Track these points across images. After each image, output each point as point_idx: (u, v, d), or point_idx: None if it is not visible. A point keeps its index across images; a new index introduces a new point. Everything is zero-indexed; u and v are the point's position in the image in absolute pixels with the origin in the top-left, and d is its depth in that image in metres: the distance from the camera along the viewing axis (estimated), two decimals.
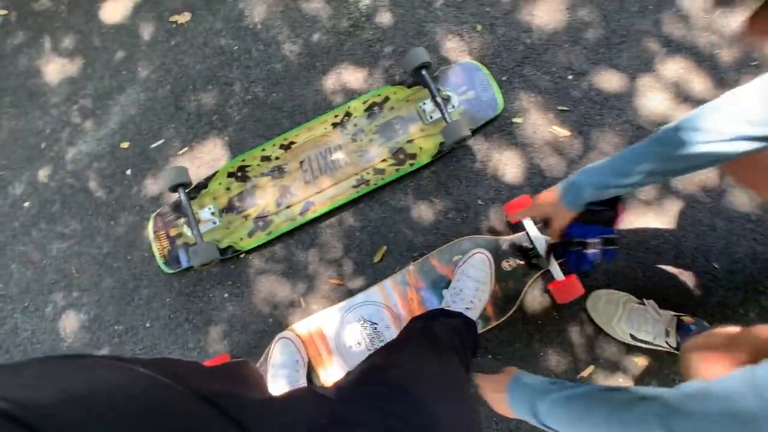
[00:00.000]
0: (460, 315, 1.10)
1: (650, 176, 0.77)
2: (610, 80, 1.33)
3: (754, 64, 1.31)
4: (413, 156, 1.31)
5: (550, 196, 0.93)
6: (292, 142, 1.35)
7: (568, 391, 0.69)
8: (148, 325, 1.36)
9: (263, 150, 1.35)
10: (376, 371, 0.77)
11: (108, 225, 1.42)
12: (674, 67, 1.32)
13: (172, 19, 1.53)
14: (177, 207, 1.37)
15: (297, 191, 1.32)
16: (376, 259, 1.31)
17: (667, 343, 1.11)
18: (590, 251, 0.95)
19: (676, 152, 0.73)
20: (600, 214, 0.93)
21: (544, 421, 0.70)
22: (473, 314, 1.14)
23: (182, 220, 1.35)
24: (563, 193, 0.89)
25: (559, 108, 1.33)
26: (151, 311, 1.37)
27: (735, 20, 1.34)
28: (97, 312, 1.38)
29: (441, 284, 1.25)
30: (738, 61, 1.31)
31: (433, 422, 0.59)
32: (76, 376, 0.32)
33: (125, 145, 1.46)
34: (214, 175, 1.36)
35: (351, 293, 1.30)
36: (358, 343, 1.24)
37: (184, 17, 1.52)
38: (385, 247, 1.31)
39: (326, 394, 0.62)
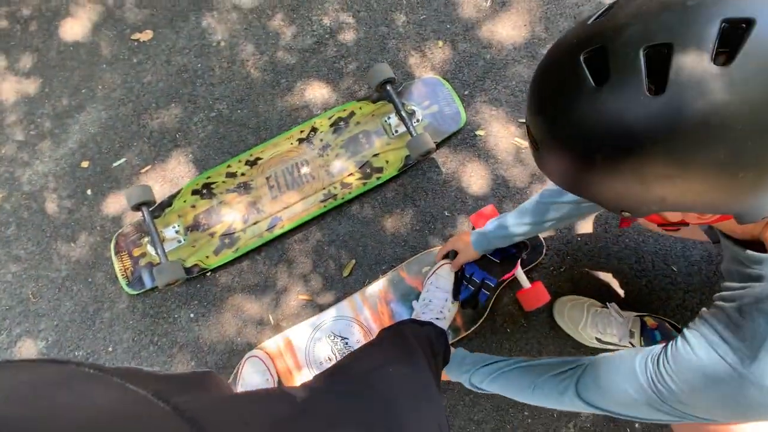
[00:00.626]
0: (430, 323, 1.11)
1: (537, 226, 1.00)
2: None
3: None
4: (380, 170, 1.33)
5: (466, 237, 1.13)
6: (258, 158, 1.35)
7: (498, 364, 0.90)
8: (110, 349, 1.32)
9: (229, 166, 1.35)
10: (344, 369, 0.77)
11: (67, 247, 1.39)
12: None
13: (134, 37, 1.52)
14: (140, 226, 1.35)
15: (264, 207, 1.32)
16: (345, 273, 1.31)
17: (631, 344, 1.15)
18: (470, 287, 1.15)
19: (549, 212, 0.96)
20: (493, 264, 1.14)
21: (479, 387, 0.93)
22: (443, 324, 1.16)
23: (146, 239, 1.32)
24: (476, 239, 1.10)
25: (520, 120, 1.37)
26: (114, 335, 1.33)
27: None
28: (55, 338, 1.33)
29: (411, 296, 1.27)
30: None
31: (399, 422, 0.60)
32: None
33: (85, 164, 1.43)
34: (178, 192, 1.35)
35: (321, 308, 1.29)
36: (329, 359, 1.24)
37: (146, 35, 1.52)
38: (353, 261, 1.32)
39: (292, 391, 0.62)
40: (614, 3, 0.46)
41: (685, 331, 0.61)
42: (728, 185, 0.41)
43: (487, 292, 1.15)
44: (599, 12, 0.47)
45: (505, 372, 0.88)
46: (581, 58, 0.44)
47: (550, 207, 0.96)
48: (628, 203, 0.47)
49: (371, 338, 1.24)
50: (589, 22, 0.46)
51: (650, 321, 1.15)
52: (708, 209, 0.44)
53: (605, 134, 0.43)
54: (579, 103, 0.44)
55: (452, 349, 1.08)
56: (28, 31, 1.57)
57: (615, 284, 1.27)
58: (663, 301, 1.26)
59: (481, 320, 1.25)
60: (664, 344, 0.63)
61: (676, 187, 0.42)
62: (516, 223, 1.02)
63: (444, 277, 1.21)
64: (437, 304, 1.18)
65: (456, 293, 1.18)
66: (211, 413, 0.41)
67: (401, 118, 1.28)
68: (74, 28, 1.56)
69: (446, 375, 1.02)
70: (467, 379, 0.96)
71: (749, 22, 0.37)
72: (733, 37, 0.38)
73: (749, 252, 0.55)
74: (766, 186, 0.41)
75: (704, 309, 0.61)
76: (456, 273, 1.20)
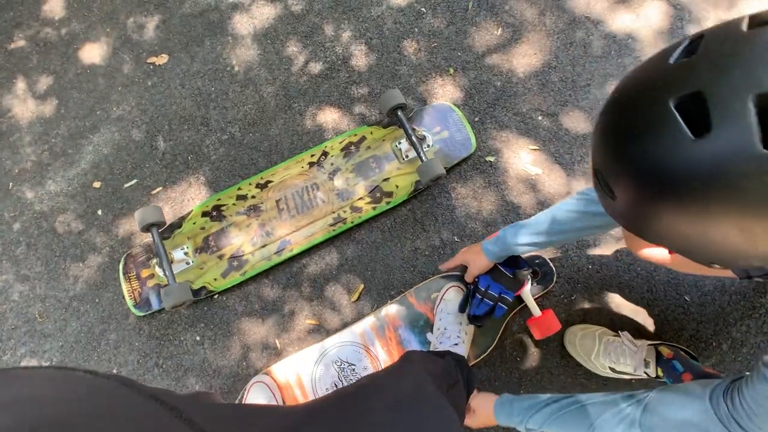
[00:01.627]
0: (448, 353, 1.10)
1: (550, 237, 0.99)
2: (577, 120, 1.41)
3: None
4: (390, 194, 1.34)
5: (476, 247, 1.13)
6: (269, 181, 1.37)
7: (551, 407, 0.88)
8: (115, 370, 1.31)
9: (239, 189, 1.37)
10: (350, 394, 0.76)
11: (76, 267, 1.40)
12: None
13: (149, 60, 1.57)
14: (149, 248, 1.36)
15: (273, 230, 1.33)
16: (353, 298, 1.31)
17: (646, 373, 1.13)
18: (487, 301, 1.14)
19: (564, 223, 0.96)
20: (507, 278, 1.14)
21: (537, 430, 0.91)
22: (462, 349, 1.15)
23: (154, 260, 1.33)
24: (488, 247, 1.09)
25: (531, 147, 1.39)
26: (119, 356, 1.33)
27: None
28: (60, 358, 1.33)
29: (420, 323, 1.26)
30: None
31: None
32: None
33: (97, 185, 1.46)
34: (188, 214, 1.36)
35: (328, 333, 1.29)
36: (335, 385, 1.23)
37: (161, 59, 1.56)
38: (362, 286, 1.32)
39: (295, 409, 0.62)
40: (697, 41, 0.43)
41: (764, 369, 0.59)
42: None
43: (504, 306, 1.14)
44: (680, 50, 0.43)
45: (561, 415, 0.87)
46: (671, 104, 0.40)
47: (565, 218, 0.95)
48: (723, 257, 0.44)
49: (378, 365, 1.24)
50: (672, 61, 0.42)
51: (665, 350, 1.14)
52: None
53: (708, 190, 0.39)
54: (674, 157, 0.40)
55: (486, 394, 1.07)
56: (47, 53, 1.62)
57: (627, 313, 1.26)
58: (676, 331, 1.25)
59: (490, 348, 1.24)
60: (731, 378, 0.63)
61: None
62: (528, 233, 1.01)
63: (452, 300, 1.21)
64: (452, 330, 1.17)
65: (465, 306, 1.17)
66: (217, 423, 0.41)
67: (412, 144, 1.30)
68: (92, 52, 1.61)
69: (496, 421, 1.00)
70: (524, 427, 0.94)
71: None
72: None
73: None
74: None
75: None
76: (468, 286, 1.19)
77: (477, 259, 1.13)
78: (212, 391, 1.28)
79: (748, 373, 0.62)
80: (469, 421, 1.10)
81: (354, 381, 1.21)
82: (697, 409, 0.65)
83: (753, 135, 0.36)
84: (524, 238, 1.02)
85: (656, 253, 0.93)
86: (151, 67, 1.57)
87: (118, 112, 1.53)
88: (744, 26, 0.40)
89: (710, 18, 1.49)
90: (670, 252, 0.89)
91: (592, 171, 0.51)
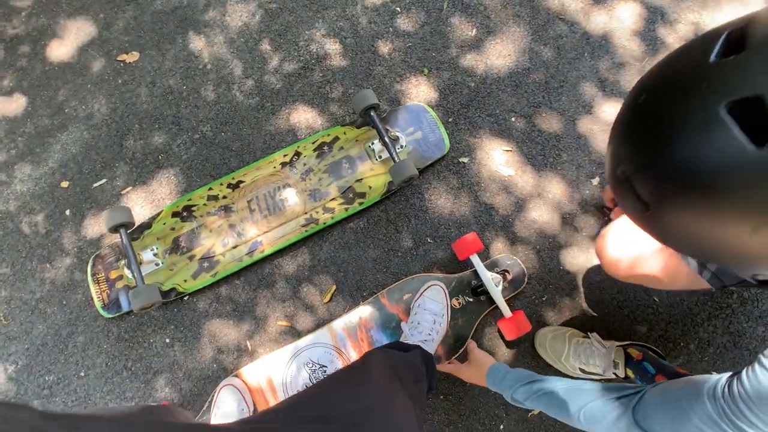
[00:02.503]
0: (416, 347, 1.10)
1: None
2: (550, 122, 1.42)
3: None
4: (363, 195, 1.34)
5: (480, 370, 1.08)
6: (240, 181, 1.36)
7: (541, 384, 0.87)
8: (82, 374, 1.29)
9: (210, 189, 1.35)
10: (310, 397, 0.76)
11: (43, 268, 1.37)
12: (610, 110, 1.42)
13: (120, 58, 1.54)
14: (118, 248, 1.34)
15: (244, 231, 1.32)
16: (326, 299, 1.31)
17: (616, 374, 1.14)
18: None
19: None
20: None
21: (522, 403, 0.90)
22: (431, 347, 1.16)
23: (123, 262, 1.31)
24: (492, 380, 1.02)
25: (504, 148, 1.40)
26: (87, 359, 1.31)
27: None
28: (26, 362, 1.31)
29: (391, 324, 1.26)
30: None
31: None
32: None
33: (65, 184, 1.43)
34: (158, 214, 1.34)
35: (299, 335, 1.29)
36: (306, 387, 1.22)
37: (132, 56, 1.54)
38: (334, 287, 1.31)
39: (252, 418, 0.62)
40: (738, 32, 0.39)
41: (763, 359, 0.58)
42: None
43: None
44: (719, 46, 0.39)
45: (550, 393, 0.85)
46: (724, 109, 0.36)
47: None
48: (757, 262, 0.42)
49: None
50: (713, 58, 0.39)
51: (634, 352, 1.15)
52: None
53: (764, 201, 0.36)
54: (731, 168, 0.37)
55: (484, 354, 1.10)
56: (14, 50, 1.58)
57: (597, 314, 1.27)
58: (645, 331, 1.27)
59: (462, 349, 1.24)
60: (728, 374, 0.62)
61: None
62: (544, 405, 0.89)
63: (433, 299, 1.22)
64: (425, 326, 1.18)
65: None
66: None
67: (384, 144, 1.29)
68: (60, 49, 1.57)
69: (487, 384, 1.01)
70: (509, 395, 0.93)
71: None
72: None
73: None
74: None
75: None
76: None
77: (474, 377, 1.12)
78: (169, 402, 1.26)
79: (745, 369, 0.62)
80: (462, 373, 1.14)
81: None
82: (694, 402, 0.63)
83: None
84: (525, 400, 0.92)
85: (642, 276, 0.93)
86: (122, 64, 1.54)
87: (87, 110, 1.50)
88: None
89: (682, 21, 1.51)
90: (658, 274, 0.89)
91: (612, 179, 0.48)
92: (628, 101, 0.46)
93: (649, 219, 0.47)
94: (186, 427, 0.62)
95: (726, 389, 0.60)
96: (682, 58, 0.43)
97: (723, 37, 0.39)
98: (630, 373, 1.12)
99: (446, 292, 1.23)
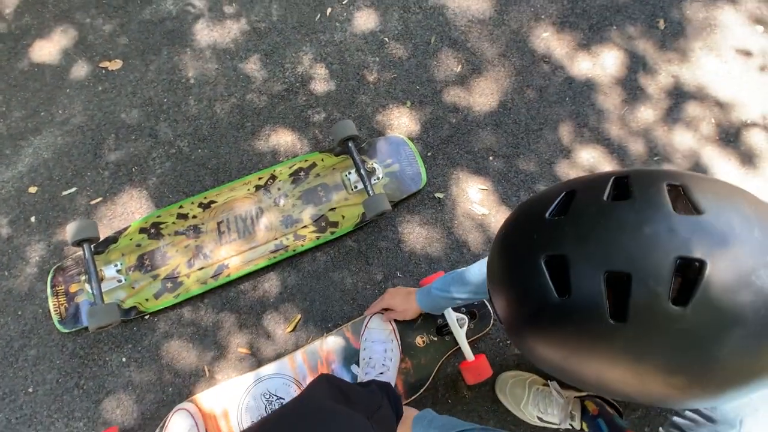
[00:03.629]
0: (372, 382, 1.07)
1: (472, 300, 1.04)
2: (528, 163, 1.42)
3: (656, 159, 1.44)
4: (335, 224, 1.32)
5: (402, 292, 1.18)
6: (212, 201, 1.33)
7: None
8: (30, 390, 1.25)
9: (180, 207, 1.33)
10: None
11: (0, 276, 1.33)
12: (587, 156, 1.43)
13: (102, 64, 1.51)
14: (81, 261, 1.31)
15: (211, 253, 1.29)
16: (289, 328, 1.28)
17: (572, 425, 1.14)
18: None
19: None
20: None
21: None
22: (389, 375, 1.13)
23: (84, 276, 1.28)
24: (422, 297, 1.12)
25: (480, 187, 1.39)
26: (37, 374, 1.26)
27: (642, 116, 1.48)
28: None
29: (354, 359, 1.24)
30: (643, 154, 1.44)
31: None
32: None
33: (33, 190, 1.39)
34: (125, 229, 1.31)
35: (260, 364, 1.26)
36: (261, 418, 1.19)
37: (115, 64, 1.51)
38: (299, 316, 1.29)
39: None
40: (570, 194, 0.48)
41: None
42: (683, 399, 0.44)
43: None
44: (557, 201, 0.49)
45: None
46: (542, 261, 0.46)
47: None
48: (587, 389, 0.51)
49: None
50: (548, 215, 0.48)
51: (591, 405, 1.14)
52: (664, 406, 0.50)
53: (568, 342, 0.46)
54: (542, 307, 0.46)
55: (410, 409, 1.05)
56: None
57: None
58: None
59: (422, 389, 1.22)
60: None
61: (635, 393, 0.45)
62: (463, 290, 1.01)
63: (376, 329, 1.20)
64: (377, 358, 1.16)
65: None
66: None
67: (360, 177, 1.28)
68: (42, 50, 1.54)
69: None
70: None
71: (702, 263, 0.39)
72: (687, 274, 0.40)
73: None
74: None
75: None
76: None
77: (405, 304, 1.14)
78: (118, 426, 1.22)
79: None
80: None
81: None
82: None
83: (603, 307, 0.41)
84: (458, 294, 1.01)
85: None
86: (104, 71, 1.51)
87: (63, 115, 1.47)
88: (606, 194, 0.46)
89: (663, 72, 1.53)
90: None
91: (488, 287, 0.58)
92: (501, 229, 0.57)
93: (503, 326, 0.56)
94: None
95: None
96: (534, 204, 0.52)
97: (559, 197, 0.49)
98: (585, 427, 1.12)
99: (386, 317, 1.22)
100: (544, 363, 0.51)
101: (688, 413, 0.60)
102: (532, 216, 0.51)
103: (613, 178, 0.48)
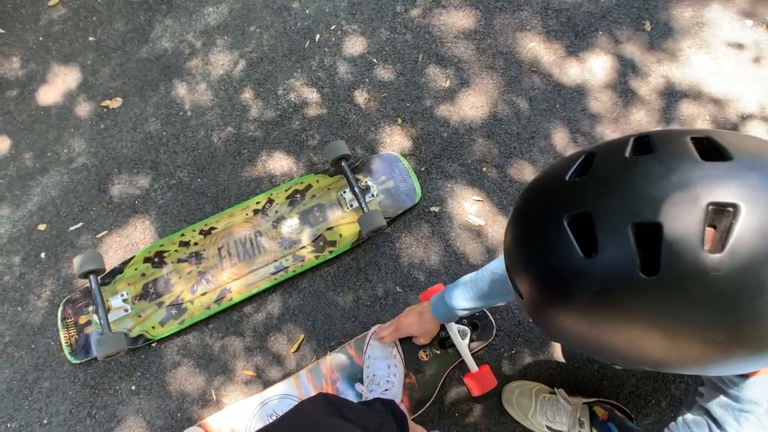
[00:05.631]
0: (376, 400, 1.11)
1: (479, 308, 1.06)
2: (521, 172, 1.49)
3: None
4: (333, 243, 1.40)
5: (416, 310, 1.20)
6: (213, 228, 1.42)
7: None
8: (45, 421, 1.33)
9: (182, 235, 1.42)
10: None
11: (14, 311, 1.43)
12: None
13: (104, 103, 1.64)
14: (89, 293, 1.40)
15: (213, 278, 1.38)
16: (293, 348, 1.35)
17: None
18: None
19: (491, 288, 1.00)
20: None
21: None
22: (393, 394, 1.17)
23: (92, 307, 1.37)
24: (437, 310, 1.13)
25: (475, 198, 1.46)
26: (51, 406, 1.34)
27: (635, 119, 1.54)
28: None
29: (358, 376, 1.30)
30: None
31: None
32: None
33: (42, 227, 1.50)
34: (131, 260, 1.41)
35: (266, 385, 1.32)
36: None
37: (115, 102, 1.64)
38: (302, 336, 1.36)
39: None
40: (590, 157, 0.48)
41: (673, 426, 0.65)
42: (723, 358, 0.43)
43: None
44: (577, 164, 0.49)
45: None
46: (565, 221, 0.45)
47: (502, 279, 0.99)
48: (615, 359, 0.51)
49: None
50: (568, 177, 0.48)
51: (600, 410, 1.17)
52: (701, 372, 0.50)
53: (595, 304, 0.45)
54: (567, 271, 0.45)
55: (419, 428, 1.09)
56: (2, 94, 1.68)
57: (566, 368, 1.30)
58: (616, 387, 1.29)
59: (428, 403, 1.27)
60: None
61: (669, 357, 0.45)
62: (469, 297, 1.05)
63: (379, 345, 1.25)
64: (381, 375, 1.21)
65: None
66: None
67: (354, 194, 1.36)
68: (47, 93, 1.68)
69: None
70: None
71: (735, 207, 0.39)
72: (719, 222, 0.40)
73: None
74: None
75: (688, 415, 0.65)
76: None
77: (423, 326, 1.18)
78: None
79: None
80: None
81: None
82: None
83: (633, 261, 0.41)
84: (465, 303, 1.05)
85: None
86: (105, 110, 1.64)
87: (68, 154, 1.59)
88: (628, 151, 0.46)
89: (653, 73, 1.59)
90: None
91: (506, 267, 0.57)
92: (517, 201, 0.56)
93: (524, 306, 0.55)
94: None
95: None
96: (552, 171, 0.52)
97: (580, 159, 0.49)
98: None
99: None
100: (569, 336, 0.50)
101: (712, 402, 0.60)
102: (550, 181, 0.51)
103: (633, 137, 0.47)
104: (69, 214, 1.52)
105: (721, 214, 0.39)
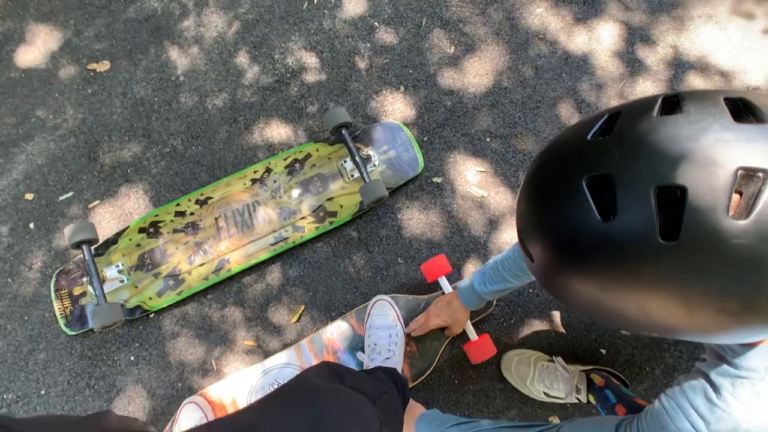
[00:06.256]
0: (378, 368, 1.14)
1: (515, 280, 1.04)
2: (525, 143, 1.48)
3: None
4: (333, 214, 1.39)
5: (443, 301, 1.22)
6: (209, 197, 1.40)
7: (469, 425, 0.92)
8: (43, 392, 1.33)
9: (178, 205, 1.40)
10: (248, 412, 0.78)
11: (4, 282, 1.41)
12: None
13: (90, 67, 1.58)
14: (83, 264, 1.38)
15: (211, 249, 1.37)
16: (293, 319, 1.36)
17: (578, 399, 1.21)
18: None
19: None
20: None
21: None
22: (395, 360, 1.20)
23: (86, 278, 1.36)
24: (466, 298, 1.15)
25: (478, 169, 1.46)
26: (48, 377, 1.35)
27: (641, 89, 1.53)
28: None
29: (359, 346, 1.31)
30: None
31: None
32: None
33: (29, 196, 1.47)
34: (125, 230, 1.39)
35: (266, 355, 1.34)
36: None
37: (103, 66, 1.58)
38: (302, 307, 1.37)
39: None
40: (615, 116, 0.47)
41: (663, 397, 0.67)
42: (733, 327, 0.43)
43: None
44: (600, 123, 0.47)
45: None
46: (584, 182, 0.44)
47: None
48: (625, 325, 0.50)
49: None
50: (590, 137, 0.47)
51: (597, 378, 1.21)
52: (707, 340, 0.49)
53: (610, 268, 0.44)
54: (583, 233, 0.44)
55: (417, 405, 1.12)
56: None
57: (564, 337, 1.34)
58: (612, 355, 1.33)
59: (428, 371, 1.30)
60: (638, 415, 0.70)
61: (681, 324, 0.44)
62: (495, 279, 1.06)
63: (380, 315, 1.27)
64: (382, 344, 1.23)
65: None
66: None
67: (355, 164, 1.35)
68: (27, 54, 1.61)
69: None
70: None
71: (766, 173, 0.38)
72: (747, 188, 0.39)
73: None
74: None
75: (683, 378, 0.66)
76: None
77: (453, 315, 1.20)
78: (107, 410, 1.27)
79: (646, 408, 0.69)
80: None
81: None
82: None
83: (653, 225, 0.40)
84: (493, 286, 1.07)
85: None
86: (92, 73, 1.58)
87: (54, 120, 1.54)
88: (656, 111, 0.44)
89: (661, 43, 1.58)
90: None
91: (517, 230, 0.56)
92: (533, 161, 0.55)
93: (534, 269, 0.54)
94: None
95: (628, 427, 0.68)
96: (573, 130, 0.51)
97: (604, 118, 0.48)
98: (592, 399, 1.19)
99: (391, 302, 1.29)
100: (580, 301, 0.49)
101: (711, 368, 0.62)
102: (571, 140, 0.49)
103: (662, 96, 0.46)
104: (58, 183, 1.48)
105: (750, 180, 0.38)
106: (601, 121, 0.48)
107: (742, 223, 0.38)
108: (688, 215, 0.39)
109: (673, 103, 0.45)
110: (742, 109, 0.42)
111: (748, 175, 0.39)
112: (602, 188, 0.43)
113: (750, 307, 0.40)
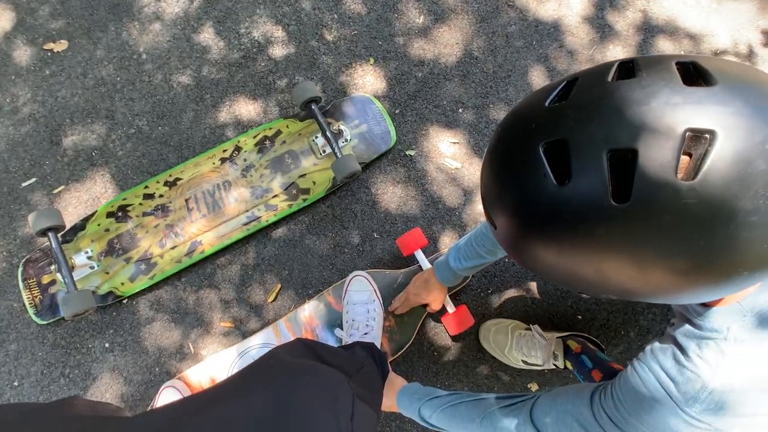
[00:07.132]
0: (356, 344, 1.15)
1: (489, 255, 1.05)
2: (498, 112, 1.48)
3: None
4: (306, 191, 1.39)
5: (421, 279, 1.24)
6: (178, 179, 1.38)
7: (449, 397, 0.95)
8: (15, 383, 1.32)
9: (146, 187, 1.38)
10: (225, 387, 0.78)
11: None
12: None
13: (47, 47, 1.53)
14: (50, 251, 1.36)
15: (182, 231, 1.35)
16: (270, 298, 1.36)
17: (555, 365, 1.24)
18: None
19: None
20: None
21: (428, 420, 0.97)
22: (374, 335, 1.22)
23: (54, 266, 1.33)
24: (443, 274, 1.16)
25: (451, 141, 1.46)
26: (20, 368, 1.33)
27: (611, 54, 1.54)
28: None
29: (337, 322, 1.32)
30: None
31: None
32: None
33: None
34: (92, 215, 1.36)
35: (244, 336, 1.34)
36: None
37: (60, 45, 1.53)
38: (279, 286, 1.37)
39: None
40: (572, 82, 0.48)
41: (635, 362, 0.69)
42: (686, 287, 0.44)
43: None
44: (558, 89, 0.49)
45: (455, 405, 0.94)
46: (541, 148, 0.45)
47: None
48: (584, 288, 0.51)
49: None
50: (548, 103, 0.48)
51: (573, 344, 1.24)
52: (664, 301, 0.51)
53: (567, 232, 0.45)
54: (540, 199, 0.46)
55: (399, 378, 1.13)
56: None
57: (541, 305, 1.36)
58: (587, 321, 1.36)
59: (408, 345, 1.31)
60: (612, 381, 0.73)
61: (635, 285, 0.46)
62: (470, 255, 1.07)
63: (357, 290, 1.28)
64: (360, 319, 1.24)
65: None
66: None
67: (327, 139, 1.34)
68: None
69: (400, 409, 1.05)
70: (417, 412, 0.99)
71: (712, 134, 0.39)
72: (695, 150, 0.40)
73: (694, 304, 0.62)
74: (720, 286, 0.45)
75: (656, 344, 0.68)
76: None
77: (431, 293, 1.21)
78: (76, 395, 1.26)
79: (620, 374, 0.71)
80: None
81: None
82: (578, 404, 0.74)
83: (605, 188, 0.41)
84: (467, 262, 1.08)
85: None
86: (49, 54, 1.53)
87: (12, 103, 1.49)
88: (611, 76, 0.45)
89: (630, 8, 1.58)
90: None
91: (481, 199, 0.57)
92: (495, 129, 0.55)
93: (498, 237, 0.55)
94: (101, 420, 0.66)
95: (603, 392, 0.70)
96: (532, 98, 0.51)
97: (562, 84, 0.49)
98: (569, 365, 1.22)
99: (368, 278, 1.30)
100: (542, 266, 0.51)
101: (678, 330, 0.64)
102: (529, 107, 0.50)
103: (618, 62, 0.47)
104: (19, 169, 1.44)
105: (698, 141, 0.40)
106: (558, 88, 0.49)
107: (689, 183, 0.39)
108: (638, 177, 0.40)
109: (629, 68, 0.46)
110: (693, 73, 0.43)
111: (696, 136, 0.40)
112: (558, 154, 0.44)
113: (700, 266, 0.42)
